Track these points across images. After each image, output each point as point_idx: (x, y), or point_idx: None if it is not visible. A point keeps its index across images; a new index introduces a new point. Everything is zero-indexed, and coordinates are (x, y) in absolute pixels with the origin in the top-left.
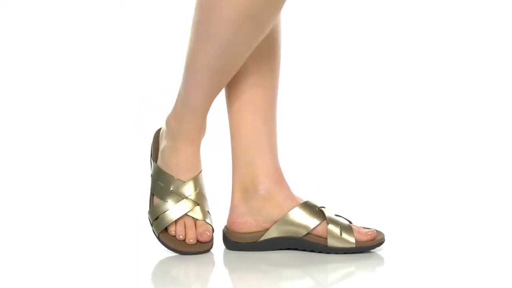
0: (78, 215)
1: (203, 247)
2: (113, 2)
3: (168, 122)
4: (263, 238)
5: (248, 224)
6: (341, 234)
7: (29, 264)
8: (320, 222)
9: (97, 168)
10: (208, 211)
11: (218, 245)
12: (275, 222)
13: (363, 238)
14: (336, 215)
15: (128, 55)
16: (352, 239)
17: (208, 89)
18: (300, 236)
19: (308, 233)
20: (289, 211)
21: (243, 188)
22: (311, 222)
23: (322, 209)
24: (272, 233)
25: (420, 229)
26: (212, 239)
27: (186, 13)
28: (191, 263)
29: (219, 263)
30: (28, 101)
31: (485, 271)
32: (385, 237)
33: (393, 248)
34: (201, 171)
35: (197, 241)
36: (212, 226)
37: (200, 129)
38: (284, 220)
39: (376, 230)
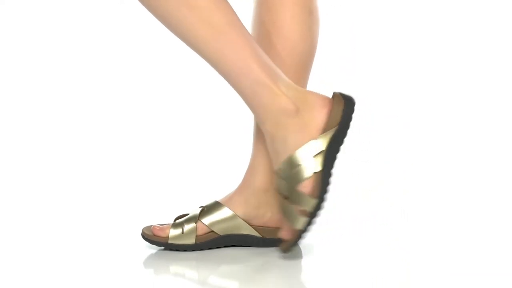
0: (77, 215)
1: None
2: (113, 2)
3: None
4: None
5: None
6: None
7: (29, 264)
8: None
9: (96, 168)
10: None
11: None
12: None
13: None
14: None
15: (129, 55)
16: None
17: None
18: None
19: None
20: None
21: None
22: None
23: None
24: None
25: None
26: None
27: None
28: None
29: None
30: (27, 101)
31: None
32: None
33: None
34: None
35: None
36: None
37: None
38: None
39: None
